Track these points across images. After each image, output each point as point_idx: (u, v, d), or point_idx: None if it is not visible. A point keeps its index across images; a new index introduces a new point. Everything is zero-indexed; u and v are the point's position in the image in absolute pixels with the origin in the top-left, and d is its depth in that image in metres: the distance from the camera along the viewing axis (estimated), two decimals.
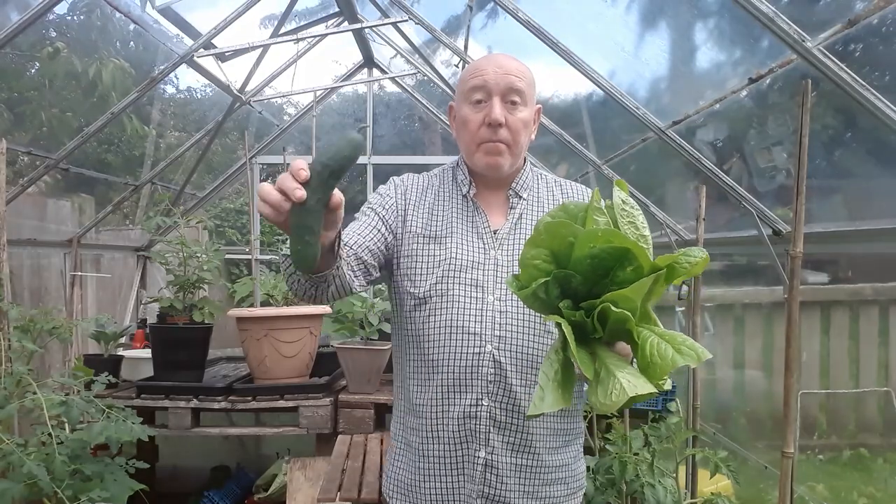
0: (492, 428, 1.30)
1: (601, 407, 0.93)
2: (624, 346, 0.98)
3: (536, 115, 1.42)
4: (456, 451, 1.32)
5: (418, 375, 1.36)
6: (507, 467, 1.31)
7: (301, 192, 0.88)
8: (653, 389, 0.91)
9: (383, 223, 1.37)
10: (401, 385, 1.44)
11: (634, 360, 0.96)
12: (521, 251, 1.33)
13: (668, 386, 0.95)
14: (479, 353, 1.30)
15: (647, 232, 1.01)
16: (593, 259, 0.94)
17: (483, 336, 1.30)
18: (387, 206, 1.41)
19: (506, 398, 1.30)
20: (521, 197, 1.42)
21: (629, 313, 0.93)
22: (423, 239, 1.37)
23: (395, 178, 1.48)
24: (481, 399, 1.30)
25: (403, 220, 1.40)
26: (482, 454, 1.30)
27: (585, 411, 2.60)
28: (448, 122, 1.53)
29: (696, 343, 0.91)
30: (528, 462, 1.32)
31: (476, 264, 1.34)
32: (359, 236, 1.33)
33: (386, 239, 1.37)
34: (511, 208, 1.41)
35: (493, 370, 1.30)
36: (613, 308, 0.92)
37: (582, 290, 0.98)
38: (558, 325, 0.97)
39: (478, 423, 1.30)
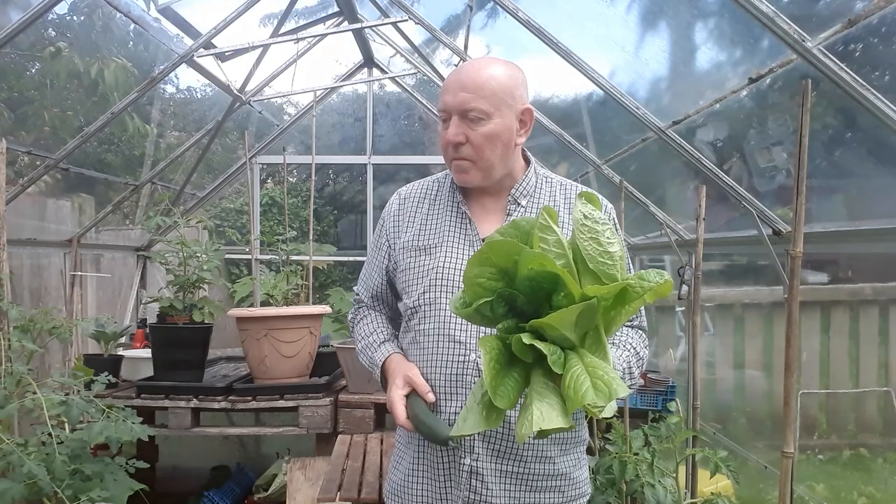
0: (476, 435, 1.30)
1: (518, 437, 0.88)
2: None
3: (526, 116, 1.36)
4: (443, 457, 1.34)
5: None
6: (492, 474, 1.31)
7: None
8: (562, 425, 0.85)
9: (384, 259, 1.49)
10: None
11: None
12: None
13: (594, 415, 0.88)
14: (464, 362, 1.32)
15: (613, 248, 0.93)
16: (531, 281, 0.91)
17: (468, 345, 1.32)
18: (381, 245, 1.51)
19: None
20: (519, 204, 1.41)
21: (538, 343, 0.88)
22: (414, 252, 1.41)
23: (392, 199, 1.52)
24: None
25: (397, 238, 1.46)
26: (467, 461, 1.31)
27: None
28: None
29: (616, 379, 0.85)
30: (514, 469, 1.32)
31: (462, 272, 1.33)
32: (375, 280, 1.52)
33: (388, 270, 1.48)
34: (508, 215, 1.40)
35: (477, 378, 1.28)
36: (523, 339, 0.89)
37: (528, 311, 0.94)
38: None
39: None
